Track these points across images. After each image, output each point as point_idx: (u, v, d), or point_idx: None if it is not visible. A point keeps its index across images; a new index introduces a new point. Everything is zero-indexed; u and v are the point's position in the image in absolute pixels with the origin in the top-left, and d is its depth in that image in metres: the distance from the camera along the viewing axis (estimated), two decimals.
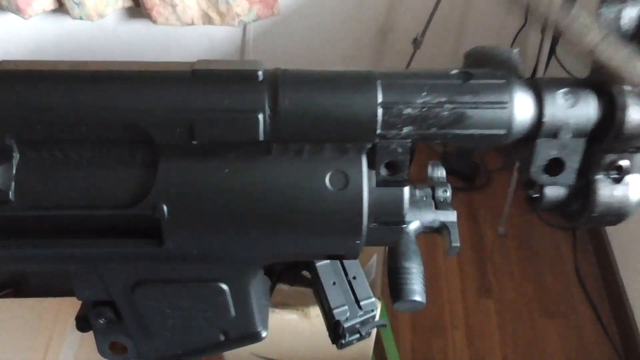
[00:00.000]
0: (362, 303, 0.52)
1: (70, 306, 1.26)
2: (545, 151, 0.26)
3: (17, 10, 1.62)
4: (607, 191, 0.27)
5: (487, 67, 0.26)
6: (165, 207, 0.23)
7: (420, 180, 0.58)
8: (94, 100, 0.22)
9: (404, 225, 0.27)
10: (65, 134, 0.23)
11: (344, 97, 0.23)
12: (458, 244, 0.59)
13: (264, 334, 0.30)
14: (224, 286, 0.27)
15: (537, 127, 0.25)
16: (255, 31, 1.82)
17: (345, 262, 0.54)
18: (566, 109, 0.25)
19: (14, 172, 0.23)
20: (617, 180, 0.27)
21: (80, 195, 0.23)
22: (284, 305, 0.69)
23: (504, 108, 0.24)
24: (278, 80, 0.23)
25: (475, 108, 0.24)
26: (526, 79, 0.26)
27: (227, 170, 0.24)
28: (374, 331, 1.13)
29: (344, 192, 0.24)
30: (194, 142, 0.23)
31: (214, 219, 0.24)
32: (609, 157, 0.26)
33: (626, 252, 1.47)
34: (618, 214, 0.27)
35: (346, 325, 0.51)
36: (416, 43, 1.61)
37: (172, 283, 0.26)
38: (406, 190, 0.26)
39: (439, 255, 1.55)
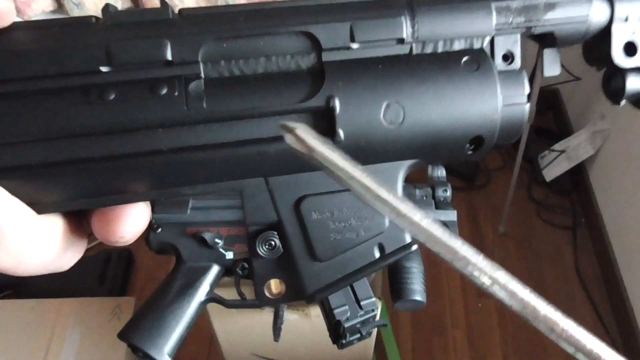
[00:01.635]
0: (362, 303, 0.52)
1: (70, 307, 1.26)
2: (620, 35, 0.31)
3: (17, 11, 1.62)
4: None
5: None
6: (337, 99, 0.27)
7: (421, 180, 0.58)
8: (272, 17, 0.27)
9: (528, 105, 0.31)
10: (241, 52, 0.27)
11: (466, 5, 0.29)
12: None
13: (414, 246, 0.32)
14: None
15: (611, 14, 0.31)
16: None
17: None
18: None
19: (203, 87, 0.27)
20: None
21: (261, 100, 0.27)
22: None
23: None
24: None
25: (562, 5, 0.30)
26: None
27: (380, 66, 0.28)
28: (375, 331, 1.13)
29: (478, 72, 0.29)
30: (353, 46, 0.28)
31: (373, 110, 0.28)
32: None
33: (627, 251, 1.47)
34: None
35: (347, 325, 0.51)
36: None
37: (334, 192, 0.30)
38: (524, 73, 0.31)
39: None
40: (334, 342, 0.52)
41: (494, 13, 0.30)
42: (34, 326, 1.20)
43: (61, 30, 0.26)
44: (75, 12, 1.63)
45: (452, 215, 0.61)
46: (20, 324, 1.21)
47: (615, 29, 0.31)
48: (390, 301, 0.57)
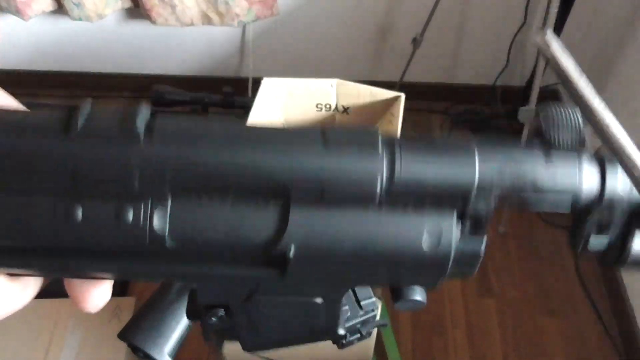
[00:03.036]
0: (362, 303, 0.52)
1: (70, 307, 1.26)
2: (598, 217, 0.31)
3: (17, 12, 1.62)
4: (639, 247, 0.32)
5: (557, 130, 0.32)
6: (293, 249, 0.28)
7: None
8: (244, 160, 0.27)
9: (478, 267, 0.32)
10: (212, 185, 0.28)
11: (449, 169, 0.29)
12: None
13: (341, 332, 0.38)
14: (320, 301, 0.33)
15: (600, 198, 0.31)
16: (254, 31, 1.82)
17: None
18: (624, 191, 0.31)
19: (168, 217, 0.27)
20: None
21: (222, 236, 0.28)
22: None
23: (570, 193, 0.30)
24: (395, 151, 0.28)
25: (552, 181, 0.30)
26: (593, 154, 0.32)
27: (345, 224, 0.29)
28: (375, 331, 1.13)
29: (437, 249, 0.30)
30: (323, 200, 0.28)
31: (329, 259, 0.29)
32: None
33: None
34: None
35: (347, 325, 0.51)
36: (416, 42, 1.61)
37: (280, 297, 0.32)
38: (484, 239, 0.31)
39: None
40: (334, 342, 0.52)
41: (475, 191, 0.29)
42: (34, 326, 1.20)
43: (28, 137, 0.26)
44: (75, 13, 1.63)
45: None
46: (20, 324, 1.21)
47: (595, 214, 0.31)
48: (390, 301, 0.57)
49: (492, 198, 0.30)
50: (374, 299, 0.52)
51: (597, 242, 0.33)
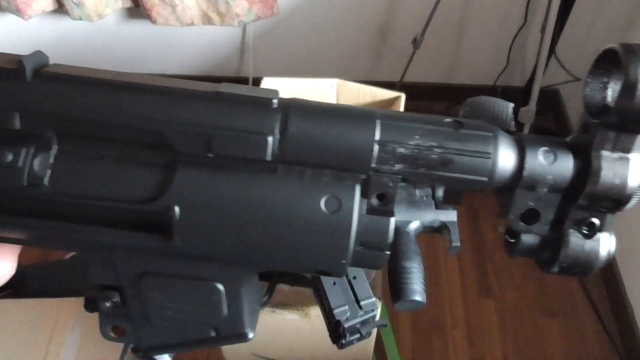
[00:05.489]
0: (362, 303, 0.52)
1: (70, 307, 1.26)
2: (522, 201, 0.29)
3: (17, 11, 1.62)
4: (577, 245, 0.29)
5: (482, 118, 0.30)
6: (177, 209, 0.26)
7: None
8: (128, 107, 0.26)
9: (388, 253, 0.29)
10: (98, 133, 0.26)
11: (346, 132, 0.27)
12: (458, 244, 0.59)
13: (250, 335, 0.33)
14: (220, 286, 0.30)
15: (517, 179, 0.28)
16: (255, 31, 1.82)
17: None
18: (545, 166, 0.28)
19: (51, 161, 0.26)
20: (588, 236, 0.30)
21: (104, 188, 0.27)
22: (284, 305, 0.69)
23: (488, 158, 0.28)
24: (290, 110, 0.27)
25: (462, 155, 0.27)
26: (512, 134, 0.29)
27: (235, 183, 0.27)
28: (375, 331, 1.13)
29: (336, 215, 0.27)
30: (210, 155, 0.26)
31: (218, 225, 0.27)
32: (582, 214, 0.30)
33: (626, 251, 1.47)
34: (586, 267, 0.30)
35: (346, 325, 0.51)
36: (416, 43, 1.61)
37: (175, 278, 0.30)
38: (392, 220, 0.29)
39: (439, 254, 1.55)
40: (333, 342, 0.52)
41: (374, 155, 0.27)
42: (34, 326, 1.20)
43: None
44: (76, 12, 1.63)
45: (452, 215, 0.61)
46: (20, 324, 1.21)
47: (518, 195, 0.29)
48: (390, 301, 0.57)
49: (396, 171, 0.27)
50: (373, 299, 0.52)
51: (529, 240, 0.31)
